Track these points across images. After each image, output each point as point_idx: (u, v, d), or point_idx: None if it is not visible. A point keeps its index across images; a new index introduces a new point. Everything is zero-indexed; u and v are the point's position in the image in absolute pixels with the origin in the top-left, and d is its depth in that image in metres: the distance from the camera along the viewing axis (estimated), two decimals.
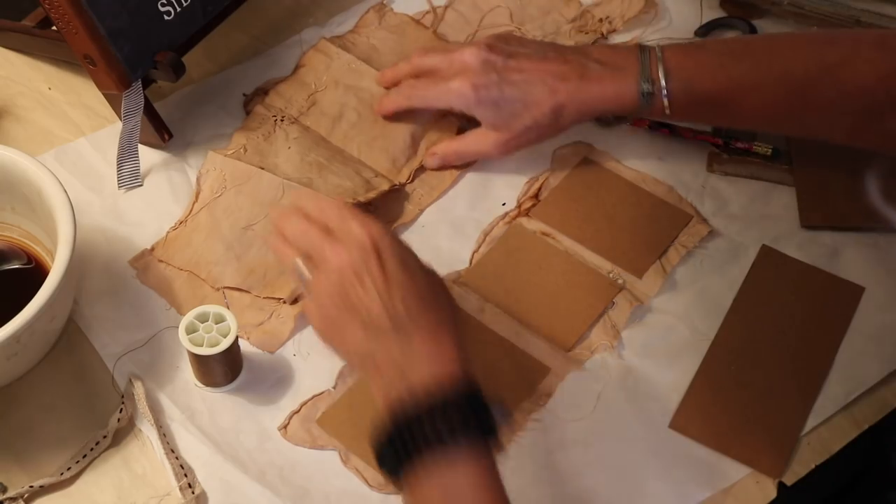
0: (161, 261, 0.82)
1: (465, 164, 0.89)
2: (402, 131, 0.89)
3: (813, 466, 0.74)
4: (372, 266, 0.64)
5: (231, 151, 0.87)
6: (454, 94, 0.84)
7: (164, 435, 0.74)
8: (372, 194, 0.84)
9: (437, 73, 0.86)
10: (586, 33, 0.98)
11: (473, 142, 0.87)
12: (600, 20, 0.99)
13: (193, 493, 0.71)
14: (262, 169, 0.85)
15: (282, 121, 0.89)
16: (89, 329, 0.79)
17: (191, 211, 0.84)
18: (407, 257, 0.67)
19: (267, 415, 0.76)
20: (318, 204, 0.68)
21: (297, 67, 0.94)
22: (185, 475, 0.72)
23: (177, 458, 0.73)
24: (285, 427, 0.75)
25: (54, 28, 0.83)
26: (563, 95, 0.81)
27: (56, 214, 0.73)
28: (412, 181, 0.87)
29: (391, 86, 0.90)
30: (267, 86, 0.94)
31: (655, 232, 0.86)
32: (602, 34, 0.98)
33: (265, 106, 0.91)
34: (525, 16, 0.99)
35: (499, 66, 0.82)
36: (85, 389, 0.76)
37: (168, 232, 0.84)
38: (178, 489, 0.72)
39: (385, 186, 0.85)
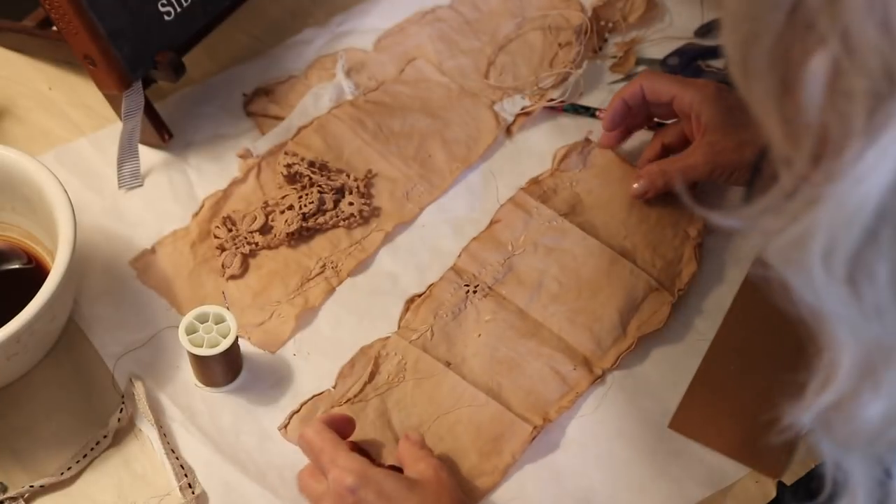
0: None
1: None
2: (609, 309, 0.79)
3: (812, 466, 0.74)
4: None
5: (416, 336, 0.78)
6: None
7: (165, 435, 0.74)
8: (566, 403, 0.76)
9: None
10: (587, 33, 0.98)
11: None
12: (602, 23, 0.99)
13: (194, 493, 0.71)
14: (449, 365, 0.77)
15: (475, 292, 0.81)
16: (89, 329, 0.79)
17: (361, 390, 0.76)
18: (391, 489, 0.66)
19: (267, 415, 0.76)
20: (316, 443, 0.69)
21: (492, 222, 0.85)
22: (186, 475, 0.72)
23: (177, 458, 0.73)
24: (285, 427, 0.75)
25: (55, 28, 0.83)
26: None
27: (56, 214, 0.73)
28: (617, 367, 0.78)
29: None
30: (268, 86, 0.94)
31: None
32: (604, 37, 0.99)
33: (456, 271, 0.82)
34: (525, 16, 0.99)
35: None
36: (85, 389, 0.77)
37: (333, 405, 0.77)
38: (178, 489, 0.72)
39: (584, 385, 0.77)
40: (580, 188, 0.87)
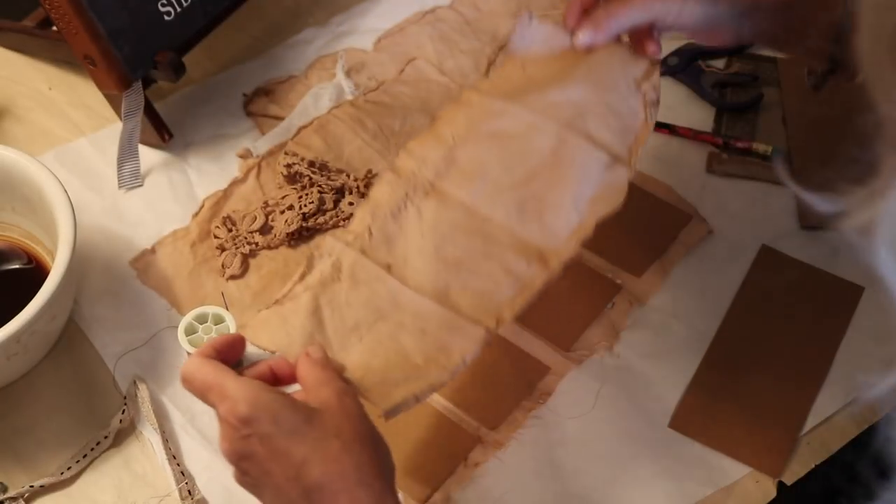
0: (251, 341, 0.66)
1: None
2: (561, 193, 0.69)
3: (813, 466, 0.74)
4: (254, 450, 0.57)
5: (352, 237, 0.68)
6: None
7: (167, 440, 0.74)
8: (520, 301, 0.66)
9: None
10: None
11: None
12: None
13: (193, 498, 0.71)
14: (390, 269, 0.67)
15: (415, 190, 0.70)
16: (90, 329, 0.79)
17: (290, 290, 0.67)
18: (287, 419, 0.58)
19: None
20: (197, 379, 0.59)
21: (433, 119, 0.74)
22: (186, 482, 0.72)
23: (178, 464, 0.73)
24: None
25: (55, 28, 0.83)
26: None
27: (56, 214, 0.73)
28: (576, 256, 0.68)
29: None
30: (268, 86, 0.94)
31: (655, 232, 0.86)
32: None
33: (395, 171, 0.71)
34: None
35: None
36: (85, 389, 0.77)
37: (260, 310, 0.68)
38: (177, 492, 0.71)
39: (539, 282, 0.66)
40: (532, 69, 0.76)
